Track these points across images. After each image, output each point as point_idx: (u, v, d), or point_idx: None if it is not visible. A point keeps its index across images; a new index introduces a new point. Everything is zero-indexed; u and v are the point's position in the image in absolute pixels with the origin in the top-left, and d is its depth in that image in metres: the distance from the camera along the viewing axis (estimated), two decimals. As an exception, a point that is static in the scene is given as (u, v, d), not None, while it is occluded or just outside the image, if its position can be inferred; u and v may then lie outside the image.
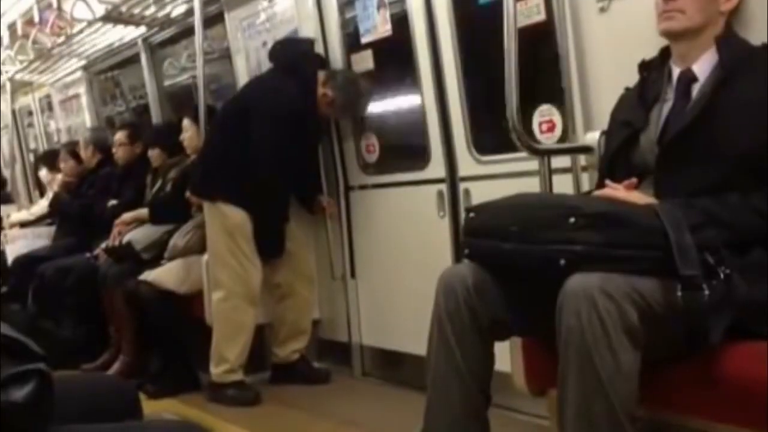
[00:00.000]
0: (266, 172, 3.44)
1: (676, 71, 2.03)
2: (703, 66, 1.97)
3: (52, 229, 5.43)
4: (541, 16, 2.78)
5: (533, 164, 2.53)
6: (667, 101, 2.02)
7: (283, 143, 3.44)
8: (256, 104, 3.49)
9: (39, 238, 5.32)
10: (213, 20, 4.42)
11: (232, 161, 3.49)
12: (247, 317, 3.53)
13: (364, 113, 3.72)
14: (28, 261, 4.93)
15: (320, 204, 3.85)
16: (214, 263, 3.56)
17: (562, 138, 2.77)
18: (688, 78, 1.99)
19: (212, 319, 3.58)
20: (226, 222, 3.48)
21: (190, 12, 4.28)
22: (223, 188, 3.51)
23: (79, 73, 6.18)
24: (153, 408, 3.23)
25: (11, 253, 5.21)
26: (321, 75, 3.59)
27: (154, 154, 4.41)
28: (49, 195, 5.91)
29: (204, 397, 3.55)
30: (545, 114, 2.83)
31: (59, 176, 5.69)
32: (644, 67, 2.12)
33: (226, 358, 3.50)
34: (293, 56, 3.64)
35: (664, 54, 2.09)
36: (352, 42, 3.71)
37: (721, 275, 1.62)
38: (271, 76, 3.65)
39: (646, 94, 2.07)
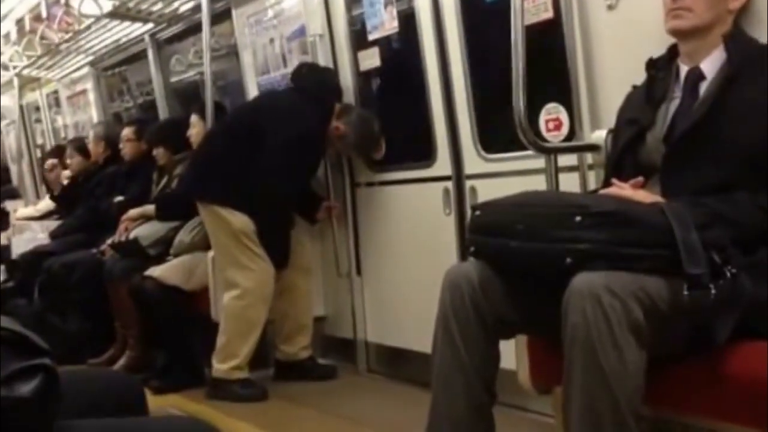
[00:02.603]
0: (277, 193, 3.46)
1: (683, 69, 2.02)
2: (711, 64, 1.97)
3: (53, 223, 5.45)
4: (548, 14, 2.77)
5: (540, 162, 2.53)
6: (674, 99, 2.02)
7: (295, 168, 3.48)
8: (273, 125, 3.48)
9: (46, 232, 5.34)
10: (220, 16, 4.43)
11: (236, 170, 3.48)
12: (260, 315, 3.53)
13: (372, 154, 3.72)
14: (34, 256, 4.94)
15: (326, 207, 3.84)
16: (225, 265, 3.53)
17: (569, 136, 2.77)
18: (695, 76, 1.99)
19: (219, 315, 3.58)
20: (229, 225, 3.48)
21: (197, 8, 4.29)
22: (223, 193, 3.49)
23: (86, 69, 6.21)
24: (158, 403, 3.23)
25: (17, 245, 5.22)
26: (336, 107, 3.61)
27: (159, 153, 4.41)
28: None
29: (206, 393, 3.54)
30: (552, 112, 2.83)
31: (65, 172, 5.71)
32: (652, 65, 2.11)
33: (236, 354, 3.50)
34: (316, 83, 3.64)
35: (672, 52, 2.08)
36: (359, 39, 3.71)
37: (728, 274, 1.62)
38: (290, 97, 3.64)
39: (654, 93, 2.06)
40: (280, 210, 3.53)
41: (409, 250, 3.56)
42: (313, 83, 3.63)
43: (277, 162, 3.42)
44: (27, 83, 6.97)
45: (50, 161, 5.77)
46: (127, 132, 4.81)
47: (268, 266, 3.52)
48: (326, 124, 3.55)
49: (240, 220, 3.46)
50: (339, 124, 3.57)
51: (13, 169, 7.56)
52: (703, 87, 1.96)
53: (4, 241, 5.47)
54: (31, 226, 5.50)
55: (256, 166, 3.43)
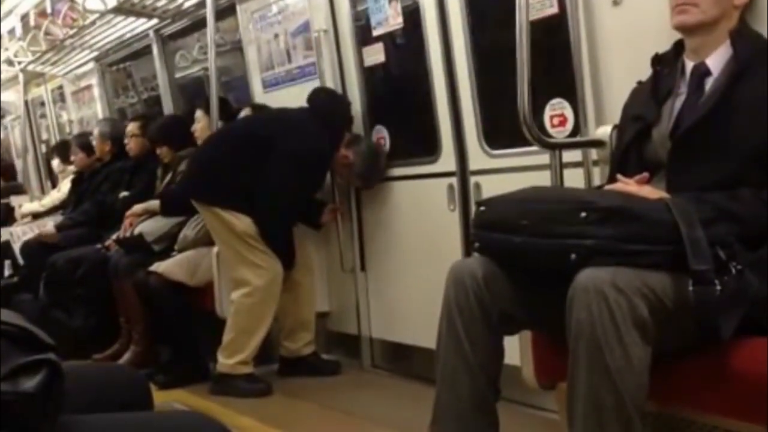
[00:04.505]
0: (278, 205, 3.48)
1: (689, 65, 2.01)
2: (717, 60, 1.96)
3: (57, 218, 5.44)
4: (553, 9, 2.76)
5: (544, 158, 2.52)
6: (680, 95, 2.01)
7: (298, 184, 3.50)
8: (283, 138, 3.49)
9: (44, 228, 5.33)
10: (225, 12, 4.43)
11: (240, 176, 3.49)
12: (268, 312, 3.54)
13: (374, 185, 3.73)
14: (39, 250, 4.94)
15: (330, 210, 3.84)
16: (236, 264, 3.53)
17: (574, 132, 2.76)
18: (701, 72, 1.98)
19: (224, 311, 3.59)
20: (232, 227, 3.49)
21: (201, 4, 4.29)
22: (225, 197, 3.49)
23: (91, 65, 6.21)
24: (163, 398, 3.24)
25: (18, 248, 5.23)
26: (346, 136, 3.63)
27: (163, 151, 4.43)
28: (61, 186, 5.94)
29: (210, 388, 3.55)
30: (557, 107, 2.82)
31: (70, 167, 5.72)
32: (657, 60, 2.11)
33: (242, 350, 3.51)
34: (331, 108, 3.66)
35: (678, 48, 2.07)
36: (363, 34, 3.70)
37: (733, 270, 1.62)
38: (303, 116, 3.64)
39: (659, 88, 2.06)
40: (281, 218, 3.54)
41: (414, 246, 3.56)
42: (327, 107, 3.66)
43: (281, 174, 3.44)
44: (32, 79, 6.96)
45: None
46: (132, 127, 4.81)
47: (277, 263, 3.52)
48: (334, 148, 3.58)
49: (243, 222, 3.47)
50: (347, 152, 3.59)
51: (18, 164, 7.56)
52: (709, 83, 1.95)
53: (6, 237, 5.48)
54: (31, 227, 5.49)
55: (260, 175, 3.44)
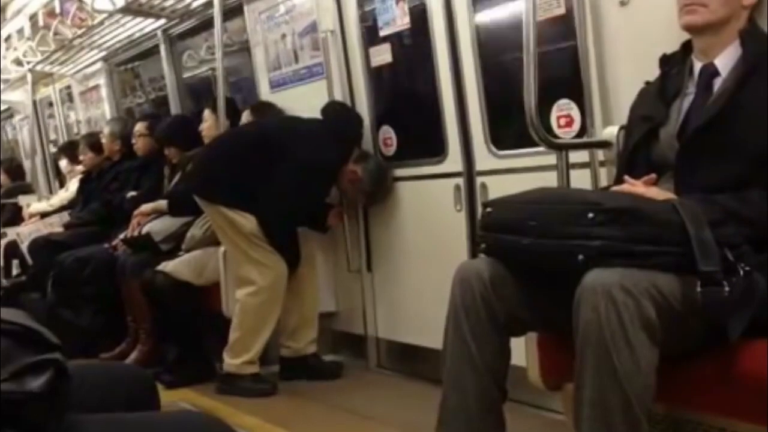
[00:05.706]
0: (282, 212, 3.49)
1: (697, 66, 2.00)
2: (726, 60, 1.95)
3: (64, 215, 5.46)
4: (560, 10, 2.76)
5: (551, 159, 2.52)
6: (688, 96, 2.00)
7: (304, 193, 3.51)
8: (294, 146, 3.49)
9: (50, 227, 5.35)
10: (232, 12, 4.43)
11: (248, 179, 3.49)
12: (274, 311, 3.55)
13: (376, 204, 3.74)
14: (47, 249, 4.96)
15: (336, 213, 3.84)
16: (241, 263, 3.53)
17: (581, 133, 2.76)
18: (710, 72, 1.97)
19: (232, 311, 3.59)
20: (237, 226, 3.49)
21: (209, 4, 4.29)
22: (231, 197, 3.50)
23: (99, 65, 6.22)
24: (169, 398, 3.24)
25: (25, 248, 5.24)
26: (356, 151, 3.64)
27: (171, 152, 4.43)
28: (69, 186, 5.96)
29: (215, 388, 3.56)
30: (563, 108, 2.81)
31: (78, 167, 5.73)
32: (665, 61, 2.10)
33: (248, 350, 3.51)
34: (344, 123, 3.68)
35: (686, 48, 2.06)
36: (370, 35, 3.70)
37: (741, 272, 1.61)
38: (316, 127, 3.66)
39: (667, 89, 2.05)
40: (284, 222, 3.55)
41: (420, 247, 3.56)
42: (340, 121, 3.67)
43: (287, 181, 3.44)
44: (40, 79, 6.98)
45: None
46: (139, 127, 4.83)
47: (281, 262, 3.53)
48: (343, 163, 3.58)
49: (248, 221, 3.47)
50: (356, 168, 3.60)
51: (27, 164, 7.59)
52: (718, 83, 1.95)
53: (13, 237, 5.50)
54: (37, 227, 5.50)
55: (266, 179, 3.45)
